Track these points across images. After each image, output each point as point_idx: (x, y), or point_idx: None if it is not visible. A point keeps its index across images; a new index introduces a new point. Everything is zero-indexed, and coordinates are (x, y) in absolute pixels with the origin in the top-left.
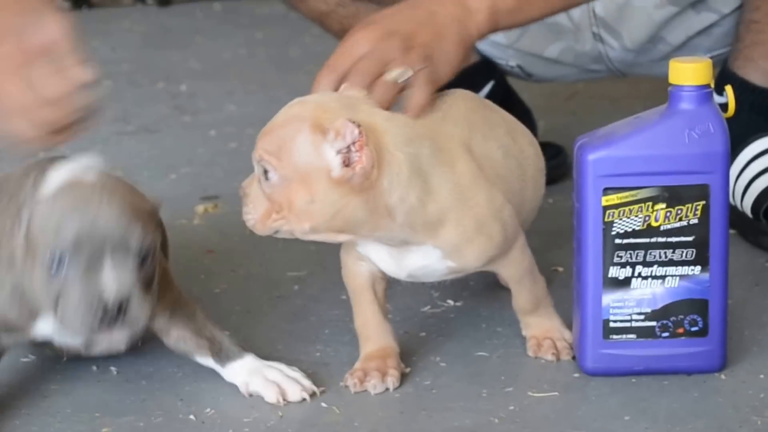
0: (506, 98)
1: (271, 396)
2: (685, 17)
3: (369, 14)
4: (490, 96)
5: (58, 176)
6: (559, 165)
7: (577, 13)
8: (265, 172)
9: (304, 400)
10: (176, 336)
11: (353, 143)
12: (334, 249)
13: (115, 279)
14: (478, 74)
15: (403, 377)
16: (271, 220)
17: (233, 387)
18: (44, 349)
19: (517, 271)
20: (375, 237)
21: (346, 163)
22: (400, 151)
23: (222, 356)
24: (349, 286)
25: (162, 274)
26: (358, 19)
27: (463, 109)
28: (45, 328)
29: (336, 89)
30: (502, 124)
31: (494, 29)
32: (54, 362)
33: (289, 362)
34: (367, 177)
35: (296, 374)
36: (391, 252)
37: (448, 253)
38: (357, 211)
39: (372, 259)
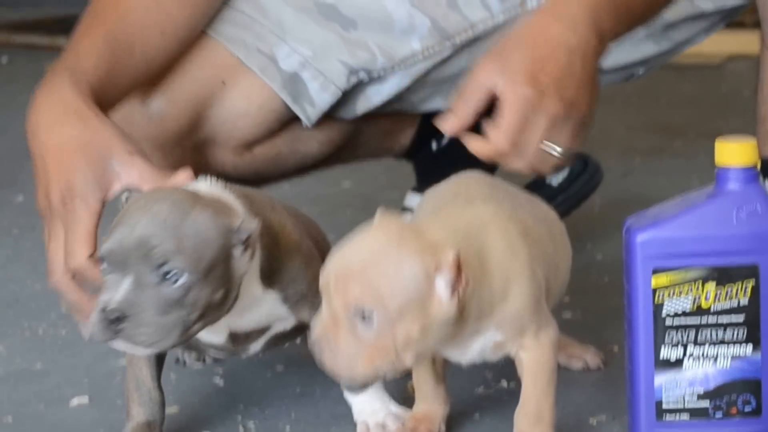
0: None
1: None
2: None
3: None
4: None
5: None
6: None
7: None
8: (362, 317)
9: None
10: None
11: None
12: None
13: (124, 290)
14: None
15: None
16: (375, 366)
17: None
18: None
19: (539, 360)
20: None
21: (452, 289)
22: (473, 258)
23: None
24: None
25: None
26: None
27: (484, 186)
28: None
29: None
30: (521, 193)
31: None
32: None
33: None
34: (465, 296)
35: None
36: (457, 341)
37: (500, 326)
38: (449, 327)
39: (439, 350)
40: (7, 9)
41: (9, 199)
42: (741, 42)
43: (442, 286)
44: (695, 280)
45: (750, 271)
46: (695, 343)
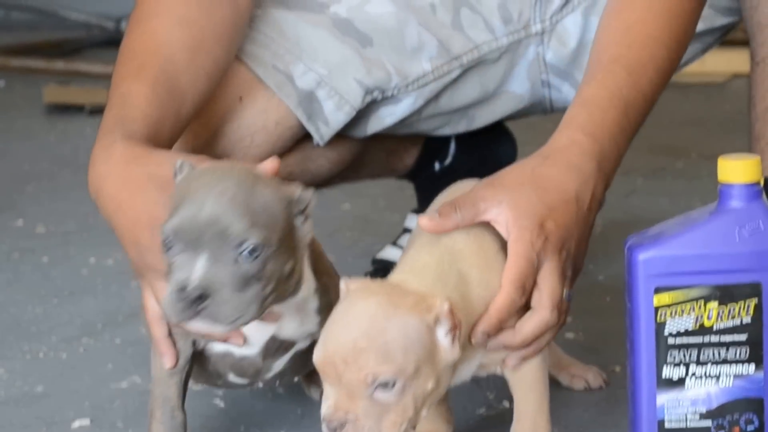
0: (475, 139)
1: None
2: None
3: None
4: (458, 146)
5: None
6: None
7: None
8: (382, 385)
9: None
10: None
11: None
12: None
13: (202, 268)
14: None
15: None
16: (398, 427)
17: None
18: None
19: (528, 376)
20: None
21: (452, 336)
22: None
23: None
24: None
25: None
26: None
27: None
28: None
29: None
30: None
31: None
32: None
33: None
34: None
35: None
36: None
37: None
38: (452, 369)
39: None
40: (4, 32)
41: (8, 224)
42: (745, 60)
43: (442, 335)
44: (697, 299)
45: (753, 290)
46: (697, 362)
